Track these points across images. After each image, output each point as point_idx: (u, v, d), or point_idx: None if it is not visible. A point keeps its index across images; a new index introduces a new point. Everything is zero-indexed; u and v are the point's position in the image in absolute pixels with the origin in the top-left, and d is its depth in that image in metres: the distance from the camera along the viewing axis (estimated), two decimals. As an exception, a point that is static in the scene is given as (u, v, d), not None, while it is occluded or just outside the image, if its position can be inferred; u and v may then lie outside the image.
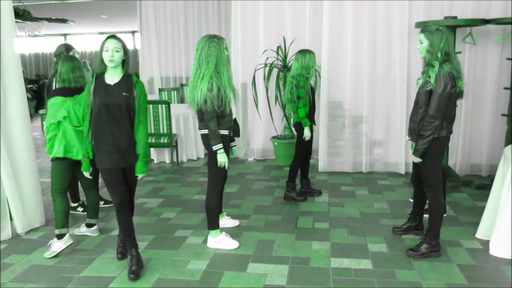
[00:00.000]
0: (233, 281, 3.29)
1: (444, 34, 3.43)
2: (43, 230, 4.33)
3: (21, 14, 9.26)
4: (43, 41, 18.95)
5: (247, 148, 7.05)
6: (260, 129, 6.91)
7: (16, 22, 7.45)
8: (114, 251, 3.80)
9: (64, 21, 10.59)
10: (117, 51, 3.19)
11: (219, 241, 3.85)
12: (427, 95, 3.42)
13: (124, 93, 3.23)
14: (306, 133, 4.83)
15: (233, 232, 4.14)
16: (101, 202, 4.80)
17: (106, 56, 3.18)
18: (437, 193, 3.61)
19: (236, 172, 6.22)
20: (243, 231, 4.21)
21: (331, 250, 3.77)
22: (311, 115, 4.90)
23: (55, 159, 3.86)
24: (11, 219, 4.17)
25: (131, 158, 3.32)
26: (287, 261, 3.58)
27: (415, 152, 3.53)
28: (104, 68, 3.27)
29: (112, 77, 3.28)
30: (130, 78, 3.31)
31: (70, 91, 3.88)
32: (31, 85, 14.75)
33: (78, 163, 3.73)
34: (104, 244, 3.99)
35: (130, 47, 18.50)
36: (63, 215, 3.84)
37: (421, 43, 3.50)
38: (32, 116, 11.20)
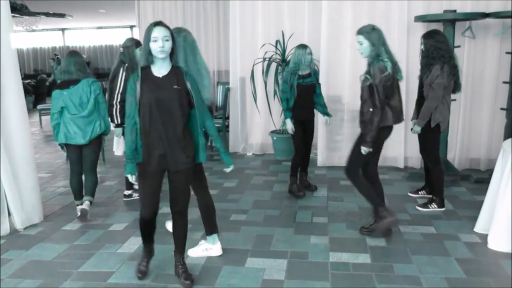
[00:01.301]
0: (232, 275, 3.30)
1: (380, 31, 3.69)
2: (42, 226, 4.32)
3: (18, 9, 9.22)
4: (41, 36, 18.89)
5: (246, 143, 7.04)
6: (259, 123, 6.90)
7: (13, 16, 7.40)
8: (112, 246, 3.81)
9: (62, 15, 10.55)
10: (166, 40, 2.82)
11: (206, 248, 3.65)
12: (369, 89, 3.65)
13: (176, 86, 2.89)
14: (287, 125, 4.82)
15: (230, 227, 4.15)
16: (136, 195, 4.91)
17: (155, 47, 2.80)
18: (356, 180, 3.97)
19: (234, 167, 6.18)
20: (241, 225, 4.21)
21: (329, 245, 3.77)
22: (298, 110, 4.79)
23: (63, 145, 4.38)
24: (9, 214, 4.17)
25: (181, 161, 2.99)
26: (285, 256, 3.58)
27: (365, 144, 3.72)
28: (151, 60, 2.90)
29: (160, 69, 2.91)
30: (179, 70, 2.98)
31: (66, 84, 4.27)
32: (29, 80, 14.71)
33: (82, 147, 4.32)
34: (102, 239, 3.99)
35: (128, 41, 18.46)
36: (75, 191, 4.50)
37: (361, 44, 3.69)
38: (30, 111, 11.17)
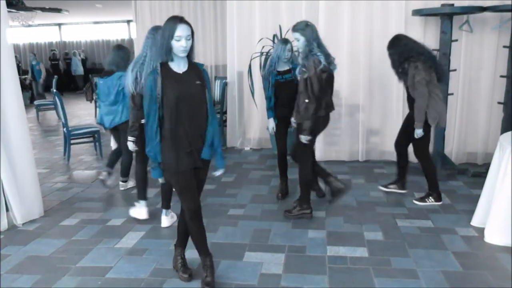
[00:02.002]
0: (230, 269, 3.31)
1: (313, 27, 3.98)
2: (41, 221, 4.32)
3: (14, 4, 9.18)
4: (37, 31, 18.81)
5: (243, 137, 7.04)
6: (256, 118, 6.88)
7: (9, 12, 7.36)
8: (110, 241, 3.81)
9: (58, 10, 10.52)
10: (189, 39, 2.74)
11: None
12: (305, 82, 3.87)
13: (198, 82, 2.84)
14: (269, 125, 4.72)
15: (228, 222, 4.16)
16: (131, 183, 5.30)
17: (178, 46, 2.71)
18: (303, 164, 4.19)
19: (232, 162, 6.21)
20: (239, 220, 4.21)
21: (327, 239, 3.78)
22: (279, 107, 4.59)
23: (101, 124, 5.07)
24: (7, 210, 4.17)
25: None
26: (283, 250, 3.59)
27: (303, 132, 3.97)
28: (170, 58, 2.81)
29: (179, 65, 2.84)
30: (196, 66, 2.92)
31: (104, 74, 4.96)
32: (26, 76, 14.66)
33: (114, 129, 5.02)
34: (100, 235, 3.99)
35: (125, 36, 18.41)
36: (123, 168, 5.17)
37: (298, 41, 3.95)
38: (27, 107, 11.15)
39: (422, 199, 4.52)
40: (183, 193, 2.95)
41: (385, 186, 4.93)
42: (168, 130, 2.82)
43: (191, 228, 3.04)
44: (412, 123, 4.30)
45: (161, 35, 2.76)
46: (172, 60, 2.82)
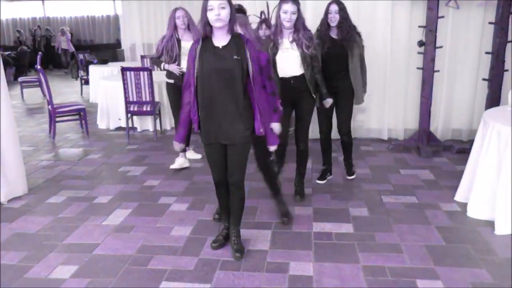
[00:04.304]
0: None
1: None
2: (27, 199, 4.30)
3: (-5, -22, 8.93)
4: (20, 6, 18.39)
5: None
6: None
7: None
8: (97, 219, 3.82)
9: (41, -15, 10.26)
10: (223, 8, 2.77)
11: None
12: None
13: (236, 57, 2.86)
14: None
15: (215, 199, 4.17)
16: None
17: (211, 16, 2.77)
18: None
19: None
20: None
21: (313, 215, 3.82)
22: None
23: None
24: (-9, 188, 4.14)
25: (239, 134, 2.96)
26: (269, 227, 3.63)
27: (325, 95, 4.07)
28: (210, 30, 2.87)
29: (220, 39, 2.89)
30: (240, 38, 2.92)
31: None
32: (9, 52, 14.39)
33: None
34: (86, 212, 3.99)
35: (111, 12, 18.08)
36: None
37: (294, 14, 3.76)
38: (11, 83, 10.97)
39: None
40: (208, 163, 3.18)
41: (322, 179, 4.63)
42: (200, 102, 2.94)
43: (217, 195, 3.32)
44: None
45: (200, 12, 2.84)
46: (212, 34, 2.89)
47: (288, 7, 3.74)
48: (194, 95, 2.95)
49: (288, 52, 3.85)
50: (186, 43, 4.78)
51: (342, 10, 4.16)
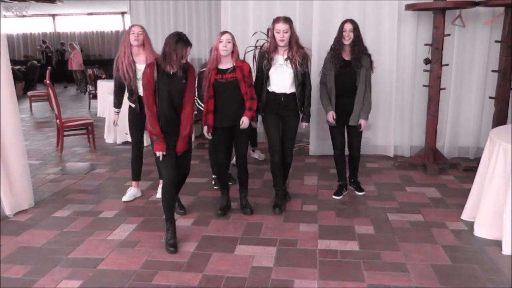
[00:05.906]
0: (221, 262, 3.32)
1: None
2: (33, 212, 4.32)
3: (7, -6, 9.10)
4: (31, 22, 18.66)
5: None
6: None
7: (2, 2, 7.29)
8: (102, 233, 3.82)
9: (52, 1, 10.44)
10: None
11: None
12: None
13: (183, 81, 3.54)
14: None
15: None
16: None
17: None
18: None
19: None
20: (231, 213, 4.23)
21: (318, 232, 3.81)
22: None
23: None
24: (-1, 201, 4.17)
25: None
26: (275, 243, 3.61)
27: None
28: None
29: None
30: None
31: None
32: (19, 67, 14.56)
33: None
34: (92, 226, 3.99)
35: (119, 28, 18.29)
36: None
37: (286, 32, 3.97)
38: (20, 98, 11.07)
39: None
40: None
41: (339, 194, 4.65)
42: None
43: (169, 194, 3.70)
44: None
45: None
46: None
47: (280, 26, 3.98)
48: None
49: (282, 68, 4.06)
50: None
51: (356, 29, 4.25)
